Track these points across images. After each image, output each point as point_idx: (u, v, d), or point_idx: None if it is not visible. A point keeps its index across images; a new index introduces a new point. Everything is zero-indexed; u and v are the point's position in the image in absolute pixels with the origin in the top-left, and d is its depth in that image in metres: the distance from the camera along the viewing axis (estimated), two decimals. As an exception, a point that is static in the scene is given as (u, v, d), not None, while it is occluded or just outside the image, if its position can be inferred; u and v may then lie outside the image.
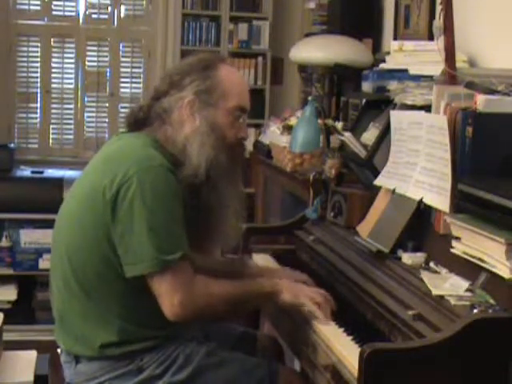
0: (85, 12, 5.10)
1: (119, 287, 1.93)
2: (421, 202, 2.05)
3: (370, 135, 2.49)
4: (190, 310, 1.90)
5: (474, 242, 1.76)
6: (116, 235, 1.89)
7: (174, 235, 1.90)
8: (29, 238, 4.27)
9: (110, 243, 1.91)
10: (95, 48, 5.14)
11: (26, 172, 4.55)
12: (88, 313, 1.96)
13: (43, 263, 4.22)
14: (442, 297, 1.77)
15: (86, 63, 5.13)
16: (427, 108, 2.13)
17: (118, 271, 1.91)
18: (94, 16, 5.12)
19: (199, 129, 1.99)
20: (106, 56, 5.15)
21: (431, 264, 1.98)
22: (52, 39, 5.06)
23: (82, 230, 1.95)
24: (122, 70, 5.19)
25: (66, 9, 5.07)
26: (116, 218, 1.88)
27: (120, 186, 1.88)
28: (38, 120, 5.10)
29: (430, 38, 2.71)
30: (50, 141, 5.13)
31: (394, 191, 2.20)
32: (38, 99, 5.07)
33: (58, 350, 2.09)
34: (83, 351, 1.98)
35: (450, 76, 2.13)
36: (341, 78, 3.40)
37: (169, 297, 1.88)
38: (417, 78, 2.39)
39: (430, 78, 2.29)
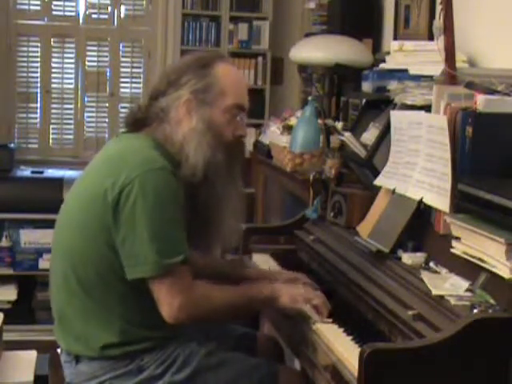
0: (85, 12, 5.10)
1: (120, 288, 1.93)
2: (421, 202, 2.05)
3: (370, 135, 2.49)
4: (188, 314, 1.90)
5: (474, 242, 1.76)
6: (118, 238, 1.89)
7: (175, 239, 1.90)
8: (29, 237, 4.27)
9: (111, 245, 1.91)
10: (95, 48, 5.14)
11: (26, 172, 4.54)
12: (89, 313, 1.96)
13: (43, 263, 4.21)
14: (442, 297, 1.77)
15: (86, 63, 5.13)
16: (427, 108, 2.13)
17: (118, 272, 1.91)
18: (93, 16, 5.12)
19: (196, 128, 1.99)
20: (106, 56, 5.16)
21: (431, 264, 1.98)
22: (52, 39, 5.06)
23: (82, 231, 1.95)
24: (122, 69, 5.19)
25: (66, 9, 5.08)
26: (118, 220, 1.88)
27: (122, 188, 1.88)
28: (38, 120, 5.10)
29: (430, 38, 2.71)
30: (50, 141, 5.14)
31: (394, 191, 2.20)
32: (38, 99, 5.07)
33: (58, 350, 2.09)
34: (84, 351, 1.98)
35: (450, 76, 2.13)
36: (341, 77, 3.40)
37: (168, 301, 1.88)
38: (417, 77, 2.39)
39: (430, 78, 2.29)
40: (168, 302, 1.88)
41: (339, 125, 3.01)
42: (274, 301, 2.03)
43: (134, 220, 1.86)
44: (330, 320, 1.99)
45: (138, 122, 2.06)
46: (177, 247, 1.90)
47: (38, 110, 5.09)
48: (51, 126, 5.13)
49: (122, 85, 5.20)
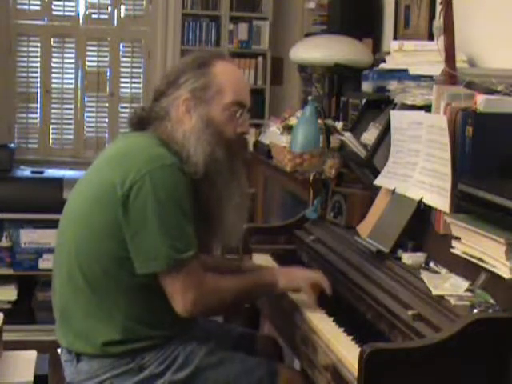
0: (85, 12, 5.10)
1: (125, 284, 1.94)
2: (421, 201, 2.05)
3: (370, 135, 2.49)
4: (202, 306, 1.93)
5: (474, 242, 1.76)
6: (128, 233, 1.90)
7: (187, 234, 1.92)
8: (29, 238, 4.27)
9: (120, 241, 1.91)
10: (95, 48, 5.14)
11: (26, 172, 4.55)
12: (92, 309, 1.96)
13: (43, 263, 4.22)
14: (442, 297, 1.77)
15: (86, 63, 5.13)
16: (427, 108, 2.13)
17: (125, 268, 1.92)
18: (94, 16, 5.12)
19: (195, 126, 2.00)
20: (106, 56, 5.15)
21: (431, 264, 1.98)
22: (52, 39, 5.06)
23: (89, 227, 1.95)
24: (122, 69, 5.19)
25: (66, 9, 5.07)
26: (128, 216, 1.89)
27: (132, 184, 1.89)
28: (38, 120, 5.10)
29: (430, 38, 2.72)
30: (50, 141, 5.13)
31: (394, 191, 2.20)
32: (38, 99, 5.07)
33: (58, 350, 2.09)
34: (84, 349, 1.98)
35: (450, 76, 2.13)
36: (341, 78, 3.40)
37: (182, 295, 1.90)
38: (417, 77, 2.39)
39: (430, 78, 2.29)
40: (182, 297, 1.90)
41: (339, 125, 3.01)
42: (274, 284, 2.08)
43: (145, 215, 1.88)
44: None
45: (141, 122, 2.07)
46: (188, 241, 1.92)
47: (38, 110, 5.09)
48: (51, 126, 5.13)
49: (122, 85, 5.20)
